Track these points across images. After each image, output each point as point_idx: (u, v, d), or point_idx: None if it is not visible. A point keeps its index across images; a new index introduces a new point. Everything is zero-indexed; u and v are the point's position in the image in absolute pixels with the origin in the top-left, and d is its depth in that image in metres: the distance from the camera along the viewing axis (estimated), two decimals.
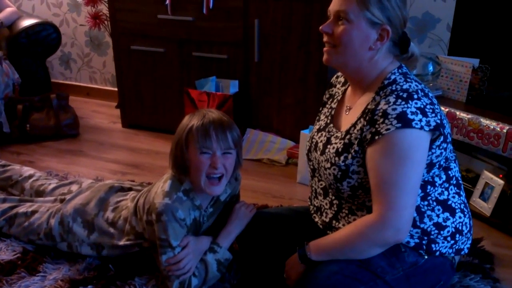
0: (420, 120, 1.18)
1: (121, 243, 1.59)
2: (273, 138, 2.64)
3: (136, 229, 1.57)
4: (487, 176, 2.01)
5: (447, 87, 2.26)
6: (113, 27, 2.83)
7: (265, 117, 2.67)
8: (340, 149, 1.31)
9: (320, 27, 1.31)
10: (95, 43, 3.50)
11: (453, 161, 1.35)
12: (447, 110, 2.06)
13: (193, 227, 1.51)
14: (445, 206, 1.31)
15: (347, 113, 1.38)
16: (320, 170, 1.39)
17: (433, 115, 1.20)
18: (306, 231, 1.47)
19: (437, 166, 1.28)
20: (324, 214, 1.42)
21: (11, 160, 2.39)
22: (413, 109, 1.18)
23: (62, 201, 1.79)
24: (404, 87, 1.23)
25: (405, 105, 1.18)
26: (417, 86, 1.24)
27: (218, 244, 1.51)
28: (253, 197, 2.13)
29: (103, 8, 3.09)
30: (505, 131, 1.86)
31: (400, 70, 1.30)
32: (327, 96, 1.53)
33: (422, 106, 1.19)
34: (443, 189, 1.31)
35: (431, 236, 1.29)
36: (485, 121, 1.94)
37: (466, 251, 1.37)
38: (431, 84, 2.25)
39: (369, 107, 1.27)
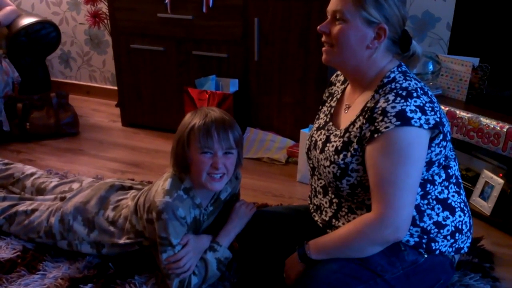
0: (420, 118, 1.18)
1: (121, 241, 1.59)
2: (273, 137, 2.64)
3: (136, 227, 1.57)
4: (487, 175, 2.01)
5: (447, 86, 2.26)
6: (113, 26, 2.83)
7: (265, 116, 2.67)
8: (339, 147, 1.31)
9: (318, 27, 1.32)
10: (95, 41, 3.50)
11: (452, 160, 1.35)
12: (447, 109, 2.06)
13: (193, 226, 1.51)
14: (445, 205, 1.31)
15: (346, 111, 1.38)
16: (319, 168, 1.39)
17: (432, 113, 1.20)
18: (306, 230, 1.47)
19: (436, 165, 1.28)
20: (323, 212, 1.42)
21: (11, 158, 2.39)
22: (412, 107, 1.18)
23: (62, 199, 1.79)
24: (404, 85, 1.23)
25: (405, 103, 1.18)
26: (416, 84, 1.24)
27: (218, 243, 1.51)
28: (253, 196, 2.14)
29: (103, 7, 3.09)
30: (505, 130, 1.86)
31: (399, 69, 1.30)
32: (327, 94, 1.53)
33: (421, 104, 1.19)
34: (443, 188, 1.31)
35: (431, 235, 1.29)
36: (485, 120, 1.94)
37: (466, 250, 1.37)
38: (431, 83, 2.25)
39: (368, 105, 1.27)
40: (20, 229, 1.75)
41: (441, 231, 1.30)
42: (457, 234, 1.32)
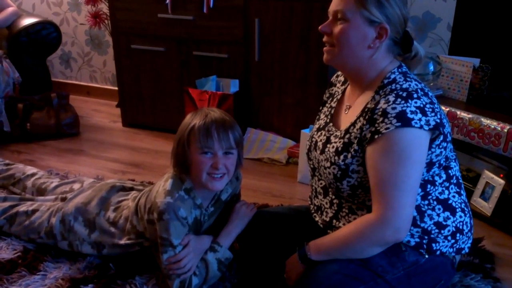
0: (420, 119, 1.18)
1: (122, 242, 1.59)
2: (273, 137, 2.64)
3: (137, 228, 1.57)
4: (488, 175, 2.01)
5: (447, 87, 2.26)
6: (113, 26, 2.83)
7: (266, 117, 2.67)
8: (339, 148, 1.31)
9: (319, 27, 1.31)
10: (96, 42, 3.50)
11: (453, 160, 1.35)
12: (447, 109, 2.06)
13: (194, 226, 1.51)
14: (446, 205, 1.31)
15: (346, 112, 1.38)
16: (320, 169, 1.39)
17: (433, 114, 1.20)
18: (307, 231, 1.47)
19: (437, 165, 1.28)
20: (324, 213, 1.42)
21: (11, 159, 2.39)
22: (413, 108, 1.18)
23: (63, 199, 1.79)
24: (404, 86, 1.23)
25: (405, 104, 1.18)
26: (416, 85, 1.24)
27: (218, 243, 1.51)
28: (254, 197, 2.14)
29: (104, 7, 3.09)
30: (505, 130, 1.86)
31: (400, 69, 1.29)
32: (327, 95, 1.53)
33: (421, 105, 1.19)
34: (444, 188, 1.31)
35: (432, 236, 1.29)
36: (485, 121, 1.93)
37: (467, 250, 1.37)
38: (431, 84, 2.25)
39: (368, 106, 1.26)
40: (21, 229, 1.75)
41: (442, 231, 1.30)
42: (458, 235, 1.32)
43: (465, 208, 1.36)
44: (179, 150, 1.45)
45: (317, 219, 1.47)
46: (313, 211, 1.50)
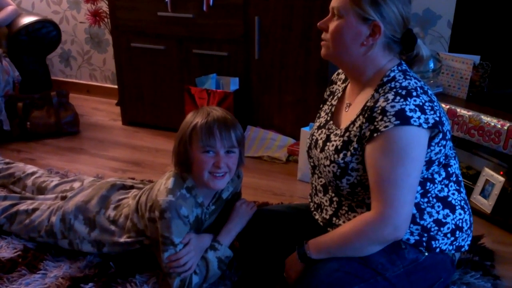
0: (419, 118, 1.18)
1: (122, 240, 1.60)
2: (273, 135, 2.64)
3: (137, 226, 1.57)
4: (488, 173, 2.01)
5: (447, 84, 2.26)
6: (113, 25, 2.83)
7: (266, 115, 2.67)
8: (339, 147, 1.31)
9: (318, 24, 1.33)
10: (95, 40, 3.50)
11: (453, 158, 1.35)
12: (447, 107, 2.06)
13: (195, 225, 1.51)
14: (445, 203, 1.31)
15: (347, 110, 1.38)
16: (320, 167, 1.39)
17: (432, 112, 1.20)
18: (307, 229, 1.47)
19: (436, 163, 1.28)
20: (324, 211, 1.43)
21: (11, 158, 2.39)
22: (412, 107, 1.18)
23: (63, 198, 1.79)
24: (403, 84, 1.23)
25: (404, 102, 1.18)
26: (416, 83, 1.24)
27: (218, 242, 1.51)
28: (254, 195, 2.14)
29: (103, 6, 3.09)
30: (506, 128, 1.86)
31: (399, 68, 1.29)
32: (328, 93, 1.53)
33: (421, 104, 1.19)
34: (443, 186, 1.31)
35: (431, 233, 1.29)
36: (486, 118, 1.93)
37: (467, 248, 1.37)
38: (431, 81, 2.25)
39: (368, 104, 1.26)
40: (21, 228, 1.75)
41: (442, 229, 1.30)
42: (457, 232, 1.32)
43: (465, 206, 1.36)
44: (181, 149, 1.45)
45: (317, 217, 1.47)
46: (313, 209, 1.50)
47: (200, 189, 1.49)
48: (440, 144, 1.25)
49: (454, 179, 1.34)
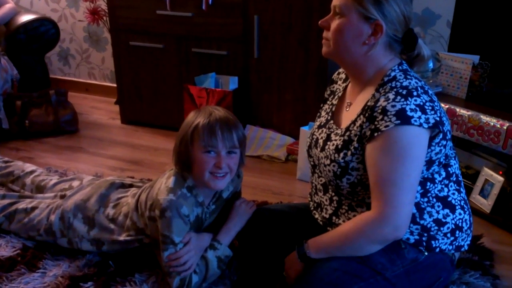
0: (419, 117, 1.18)
1: (121, 238, 1.59)
2: (272, 134, 2.64)
3: (137, 224, 1.57)
4: (487, 173, 2.01)
5: (447, 84, 2.26)
6: (112, 23, 2.82)
7: (265, 114, 2.67)
8: (339, 146, 1.30)
9: (319, 21, 1.33)
10: (94, 38, 3.49)
11: (453, 158, 1.35)
12: (447, 106, 2.06)
13: (195, 224, 1.51)
14: (445, 202, 1.31)
15: (347, 109, 1.38)
16: (320, 166, 1.39)
17: (432, 112, 1.20)
18: (306, 228, 1.47)
19: (436, 163, 1.28)
20: (324, 210, 1.43)
21: (10, 156, 2.39)
22: (412, 106, 1.18)
23: (62, 197, 1.79)
24: (404, 84, 1.23)
25: (405, 102, 1.18)
26: (417, 83, 1.24)
27: (218, 241, 1.51)
28: (253, 194, 2.13)
29: (102, 4, 3.08)
30: (505, 128, 1.86)
31: (400, 67, 1.29)
32: (328, 92, 1.53)
33: (421, 103, 1.19)
34: (443, 186, 1.32)
35: (431, 233, 1.29)
36: (485, 118, 1.93)
37: (466, 247, 1.38)
38: (431, 81, 2.25)
39: (368, 103, 1.26)
40: (20, 227, 1.74)
41: (441, 228, 1.30)
42: (457, 232, 1.32)
43: (465, 206, 1.36)
44: (182, 148, 1.45)
45: (316, 216, 1.47)
46: (312, 208, 1.50)
47: (201, 189, 1.49)
48: (440, 144, 1.25)
49: (454, 179, 1.34)
